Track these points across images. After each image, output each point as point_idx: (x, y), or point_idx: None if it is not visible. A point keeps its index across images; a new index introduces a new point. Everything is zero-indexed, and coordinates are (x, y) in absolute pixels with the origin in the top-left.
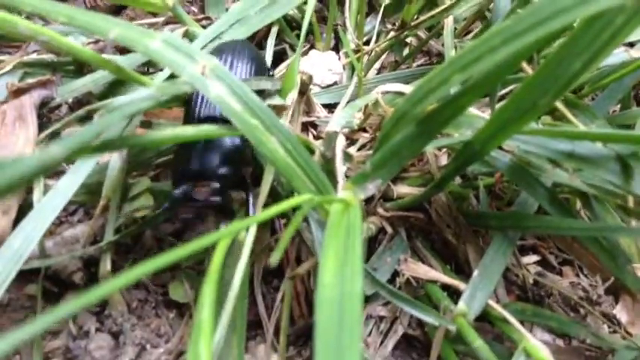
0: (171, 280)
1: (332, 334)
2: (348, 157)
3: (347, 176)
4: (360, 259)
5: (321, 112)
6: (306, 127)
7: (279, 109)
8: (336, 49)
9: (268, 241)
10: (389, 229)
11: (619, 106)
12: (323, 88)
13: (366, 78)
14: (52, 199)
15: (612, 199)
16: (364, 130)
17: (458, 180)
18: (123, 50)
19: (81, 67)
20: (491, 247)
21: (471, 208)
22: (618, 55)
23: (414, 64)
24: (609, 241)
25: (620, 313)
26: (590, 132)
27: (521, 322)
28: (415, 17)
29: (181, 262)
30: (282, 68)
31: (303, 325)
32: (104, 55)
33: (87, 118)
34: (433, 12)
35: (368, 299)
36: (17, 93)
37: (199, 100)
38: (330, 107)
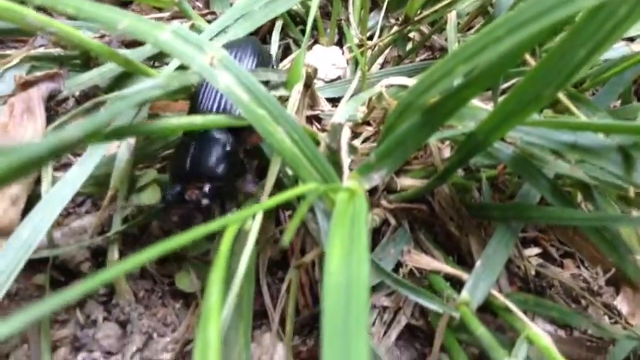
0: (178, 271)
1: (339, 319)
2: (352, 149)
3: (350, 169)
4: (366, 246)
5: (325, 106)
6: (310, 120)
7: (283, 101)
8: (340, 44)
9: (273, 232)
10: (392, 221)
11: (619, 102)
12: (327, 82)
13: (370, 72)
14: (60, 190)
15: (613, 190)
16: (368, 124)
17: (460, 173)
18: (128, 45)
19: (87, 61)
20: (494, 237)
21: (474, 201)
22: (619, 49)
23: (417, 59)
24: (610, 231)
25: (621, 304)
26: (593, 123)
27: (524, 313)
28: (418, 12)
29: (187, 252)
30: (286, 63)
31: (307, 315)
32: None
33: (94, 111)
34: (436, 7)
35: (372, 290)
36: (25, 86)
37: (203, 96)
38: (334, 101)
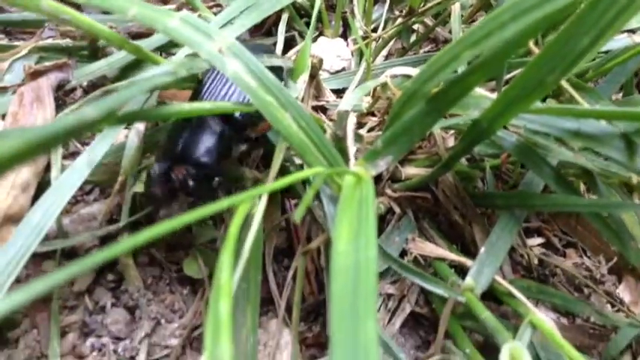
0: (185, 258)
1: (347, 301)
2: (358, 137)
3: (356, 159)
4: (374, 228)
5: (330, 97)
6: (315, 111)
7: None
8: (345, 36)
9: (279, 220)
10: (397, 210)
11: (621, 95)
12: (332, 73)
13: (374, 64)
14: (69, 177)
15: (616, 177)
16: (372, 115)
17: (464, 162)
18: (135, 37)
19: (95, 52)
20: (498, 225)
21: (478, 190)
22: (621, 40)
23: (421, 51)
24: (613, 218)
25: (623, 292)
26: (596, 110)
27: (527, 299)
28: (422, 4)
29: (195, 239)
30: (291, 55)
31: (313, 302)
32: None
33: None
34: None
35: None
36: (34, 75)
37: (205, 93)
38: (339, 92)
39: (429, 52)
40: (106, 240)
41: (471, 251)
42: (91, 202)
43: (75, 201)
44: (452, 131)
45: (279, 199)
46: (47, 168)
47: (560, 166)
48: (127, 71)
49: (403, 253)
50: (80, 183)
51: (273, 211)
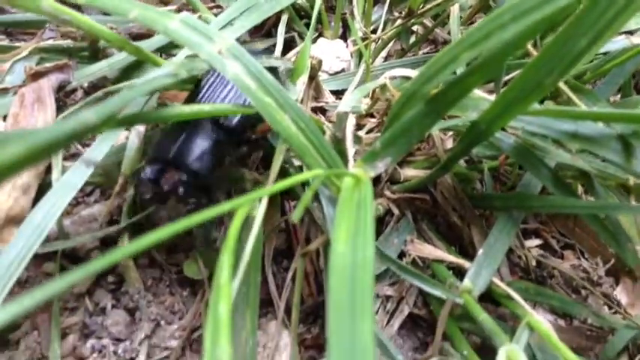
0: (185, 259)
1: (345, 300)
2: (357, 138)
3: (354, 160)
4: (372, 229)
5: (330, 98)
6: (314, 112)
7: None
8: (344, 37)
9: (279, 221)
10: (395, 211)
11: (619, 96)
12: (331, 75)
13: (374, 65)
14: (70, 178)
15: (614, 179)
16: (371, 116)
17: (463, 164)
18: (135, 38)
19: (96, 53)
20: (496, 226)
21: (476, 191)
22: (619, 42)
23: (420, 52)
24: (610, 220)
25: (621, 294)
26: (593, 112)
27: (524, 301)
28: (421, 6)
29: (195, 242)
30: (290, 56)
31: (312, 304)
32: None
33: (103, 101)
34: (439, 0)
35: (375, 279)
36: (35, 76)
37: (205, 92)
38: (338, 94)
39: (428, 53)
40: (106, 241)
41: (469, 253)
42: (91, 203)
43: (76, 202)
44: (450, 133)
45: (279, 201)
46: (48, 169)
47: (557, 168)
48: (127, 72)
49: (402, 255)
50: (81, 184)
51: (273, 213)
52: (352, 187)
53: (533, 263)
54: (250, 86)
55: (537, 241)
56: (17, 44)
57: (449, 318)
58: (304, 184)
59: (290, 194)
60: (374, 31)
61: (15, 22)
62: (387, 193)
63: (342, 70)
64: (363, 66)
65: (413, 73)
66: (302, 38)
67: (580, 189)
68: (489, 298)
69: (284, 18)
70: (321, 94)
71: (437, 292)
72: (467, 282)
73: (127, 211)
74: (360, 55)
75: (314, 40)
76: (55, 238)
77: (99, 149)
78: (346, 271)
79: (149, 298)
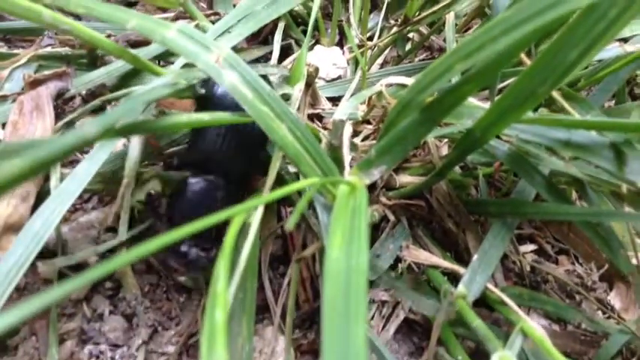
0: None
1: (339, 305)
2: (353, 146)
3: (350, 166)
4: (366, 237)
5: (326, 105)
6: (311, 119)
7: (285, 99)
8: (341, 44)
9: (275, 228)
10: (391, 217)
11: (614, 102)
12: (328, 81)
13: (370, 72)
14: (69, 185)
15: (606, 186)
16: (368, 123)
17: (458, 170)
18: (133, 45)
19: (94, 60)
20: (490, 232)
21: (471, 197)
22: (613, 49)
23: (416, 59)
24: (604, 227)
25: (614, 299)
26: (586, 120)
27: (519, 307)
28: (417, 13)
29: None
30: (287, 63)
31: (308, 310)
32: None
33: (100, 109)
34: (435, 8)
35: (371, 284)
36: (34, 84)
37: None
38: (335, 100)
39: (424, 60)
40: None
41: (464, 258)
42: (89, 210)
43: (74, 209)
44: (446, 140)
45: (275, 208)
46: (46, 177)
47: (551, 175)
48: (126, 80)
49: (398, 260)
50: (79, 192)
51: (269, 219)
52: (347, 194)
53: (528, 268)
54: (247, 95)
55: (532, 247)
56: (16, 51)
57: (444, 323)
58: (300, 192)
59: (286, 200)
60: (370, 39)
61: (13, 29)
62: (383, 199)
63: (339, 77)
64: (359, 73)
65: (408, 81)
66: (299, 45)
67: (574, 194)
68: (484, 303)
69: (281, 25)
70: (318, 101)
71: (427, 310)
72: (461, 288)
73: (125, 221)
74: (356, 62)
75: (311, 47)
76: (54, 244)
77: (97, 156)
78: (341, 276)
79: (146, 304)
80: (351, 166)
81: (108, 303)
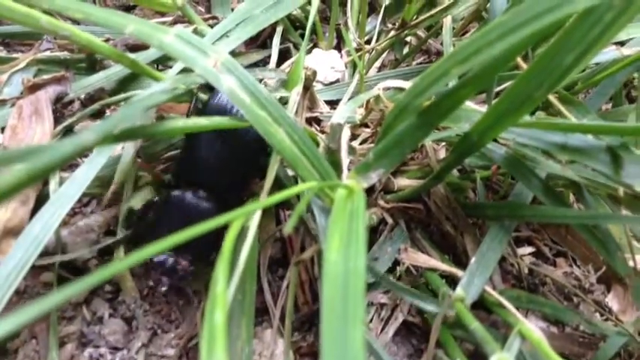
0: None
1: (337, 306)
2: (351, 149)
3: (348, 170)
4: (364, 239)
5: (324, 108)
6: (309, 122)
7: (283, 103)
8: (339, 47)
9: (274, 231)
10: (389, 220)
11: (611, 105)
12: (325, 85)
13: (368, 75)
14: (68, 189)
15: (603, 189)
16: (365, 126)
17: (455, 173)
18: (132, 49)
19: (93, 64)
20: (488, 235)
21: (469, 200)
22: (609, 53)
23: (414, 63)
24: (601, 229)
25: (612, 301)
26: (582, 124)
27: (517, 309)
28: (415, 17)
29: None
30: (285, 67)
31: (307, 312)
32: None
33: (99, 113)
34: (432, 12)
35: (369, 287)
36: (33, 88)
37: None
38: (333, 104)
39: (421, 63)
40: (103, 250)
41: (462, 261)
42: (88, 214)
43: (73, 213)
44: (443, 143)
45: (274, 211)
46: (46, 181)
47: (548, 178)
48: (124, 84)
49: (396, 263)
50: (78, 195)
51: (268, 223)
52: (345, 198)
53: (526, 271)
54: (245, 100)
55: (530, 249)
56: (15, 55)
57: (442, 326)
58: (299, 195)
59: (285, 204)
60: (368, 42)
61: (12, 33)
62: (381, 202)
63: (337, 81)
64: (357, 76)
65: (406, 85)
66: (297, 49)
67: (571, 197)
68: (482, 305)
69: (279, 29)
70: (316, 105)
71: (428, 307)
72: (459, 291)
73: (122, 221)
74: (354, 66)
75: (309, 51)
76: (53, 248)
77: (96, 161)
78: (339, 279)
79: (145, 307)
80: (349, 170)
81: (107, 306)
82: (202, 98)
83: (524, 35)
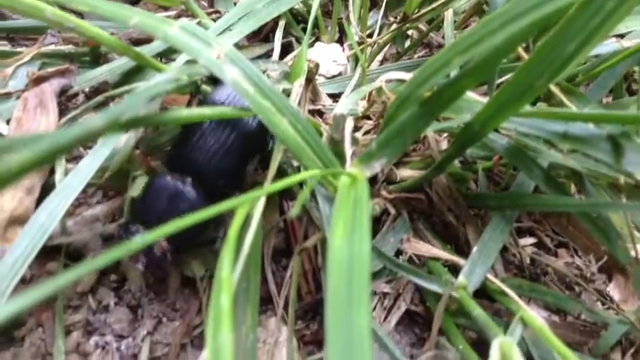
0: (186, 258)
1: (342, 291)
2: (354, 140)
3: (351, 161)
4: (368, 226)
5: (327, 101)
6: (312, 114)
7: (286, 95)
8: (341, 41)
9: (277, 220)
10: (392, 211)
11: (611, 97)
12: (328, 78)
13: (369, 69)
14: (73, 179)
15: (604, 178)
16: (368, 118)
17: (457, 164)
18: (135, 43)
19: (97, 58)
20: (490, 225)
21: (470, 191)
22: (610, 45)
23: (415, 56)
24: (602, 218)
25: (613, 291)
26: (583, 113)
27: (519, 297)
28: (416, 10)
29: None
30: (288, 60)
31: (311, 301)
32: None
33: (103, 106)
34: (433, 5)
35: (372, 276)
36: (37, 81)
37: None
38: (335, 97)
39: (423, 56)
40: (109, 241)
41: (464, 251)
42: (94, 204)
43: (78, 203)
44: (445, 134)
45: (277, 201)
46: (51, 171)
47: (550, 168)
48: (128, 76)
49: (398, 253)
50: (83, 186)
51: (272, 212)
52: (349, 185)
53: (528, 261)
54: (248, 90)
55: (531, 240)
56: (19, 49)
57: (445, 314)
58: (302, 184)
59: (288, 193)
60: (370, 36)
61: (17, 27)
62: (384, 193)
63: (339, 74)
64: (359, 69)
65: (408, 76)
66: (299, 43)
67: (573, 188)
68: (484, 294)
69: (281, 23)
70: (318, 97)
71: (432, 287)
72: (461, 278)
73: (126, 211)
74: (356, 59)
75: (311, 45)
76: (59, 238)
77: (101, 151)
78: (343, 264)
79: (151, 295)
80: (352, 160)
81: (113, 295)
82: (206, 90)
83: (525, 24)
